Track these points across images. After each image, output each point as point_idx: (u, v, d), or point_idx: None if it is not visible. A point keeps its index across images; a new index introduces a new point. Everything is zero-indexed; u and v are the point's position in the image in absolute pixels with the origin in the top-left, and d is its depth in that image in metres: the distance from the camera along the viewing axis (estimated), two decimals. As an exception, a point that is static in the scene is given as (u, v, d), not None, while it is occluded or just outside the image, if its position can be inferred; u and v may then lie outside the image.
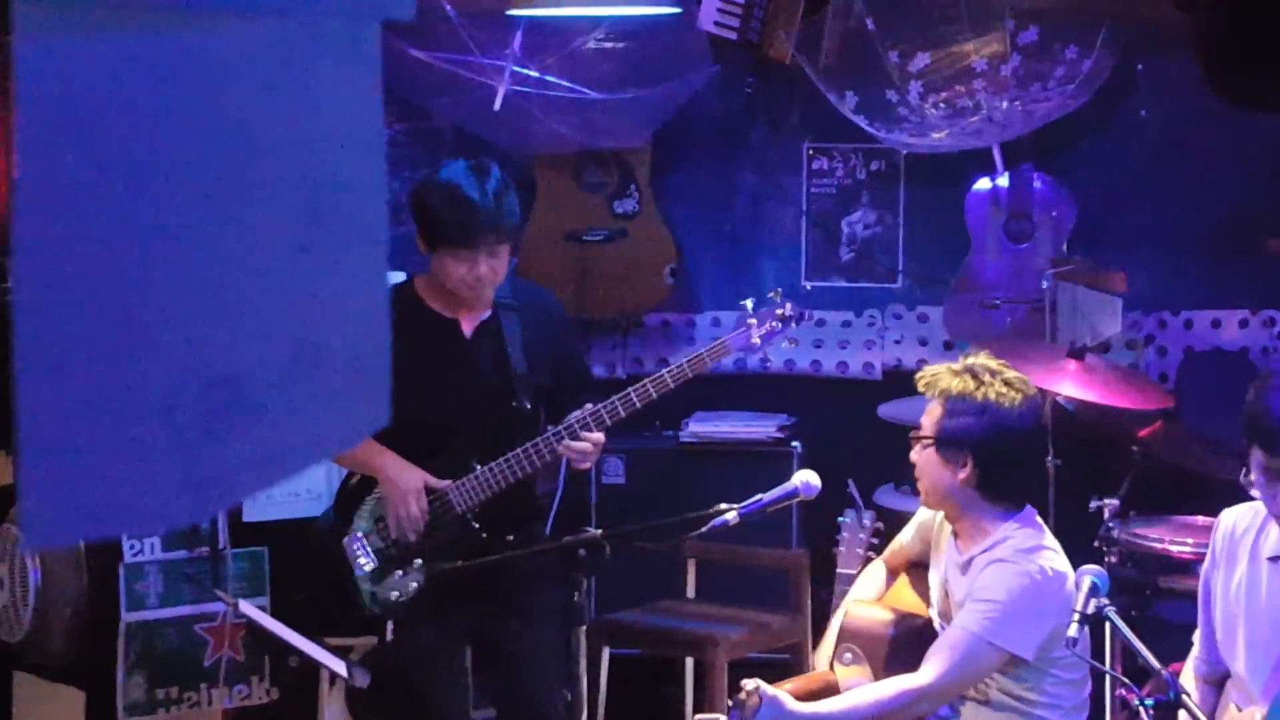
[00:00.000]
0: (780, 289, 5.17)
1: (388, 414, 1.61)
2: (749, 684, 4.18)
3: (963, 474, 4.34)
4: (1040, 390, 5.74)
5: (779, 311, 5.02)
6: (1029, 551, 4.26)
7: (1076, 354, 5.78)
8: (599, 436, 4.92)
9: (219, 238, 1.36)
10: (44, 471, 1.23)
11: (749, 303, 5.07)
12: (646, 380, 4.93)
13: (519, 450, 4.94)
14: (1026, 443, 4.45)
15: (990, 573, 4.26)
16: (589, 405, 4.95)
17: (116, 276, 1.27)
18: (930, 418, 4.42)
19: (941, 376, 4.40)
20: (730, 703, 4.19)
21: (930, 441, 4.39)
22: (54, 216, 1.23)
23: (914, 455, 4.47)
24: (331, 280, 1.50)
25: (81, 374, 1.25)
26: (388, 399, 1.60)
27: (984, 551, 4.33)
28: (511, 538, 5.03)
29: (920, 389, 4.46)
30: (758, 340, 5.01)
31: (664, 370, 4.94)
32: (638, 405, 4.93)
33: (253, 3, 1.37)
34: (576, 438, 4.90)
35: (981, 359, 4.44)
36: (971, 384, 4.34)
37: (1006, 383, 4.35)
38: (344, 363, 1.53)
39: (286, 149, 1.43)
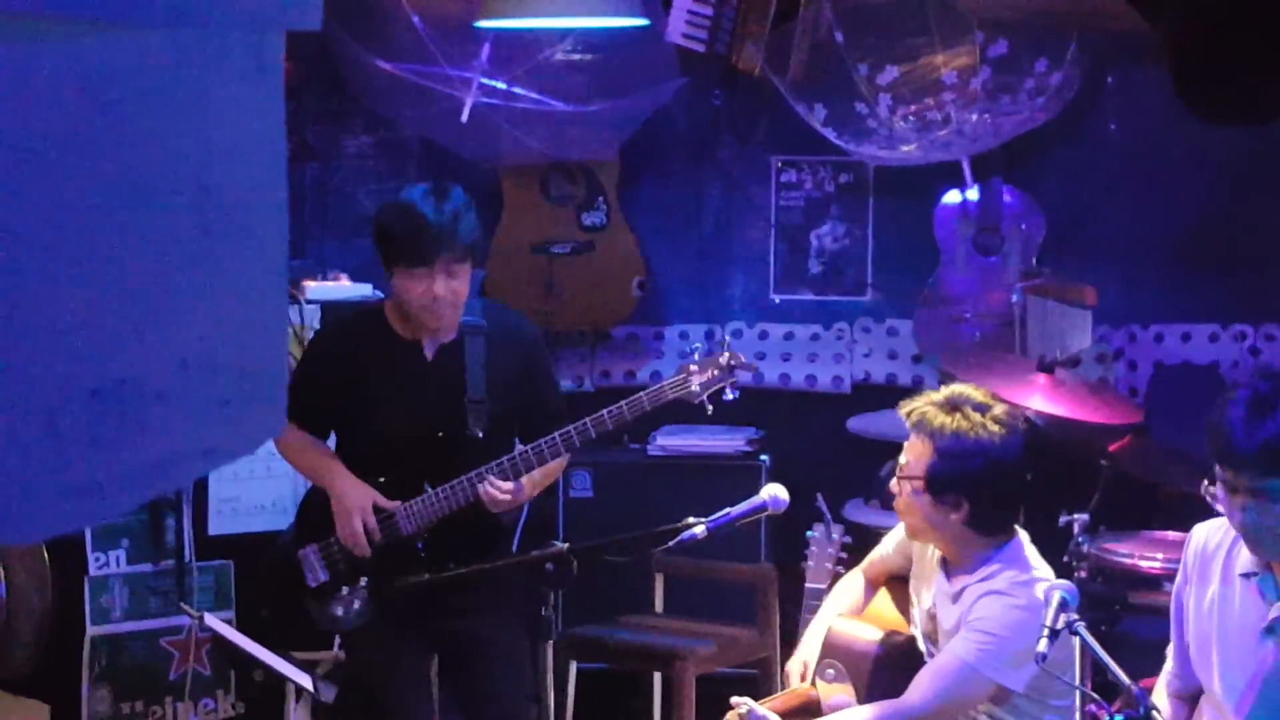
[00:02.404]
0: (728, 338, 5.10)
1: (283, 423, 1.60)
2: (741, 706, 4.16)
3: (956, 515, 4.29)
4: (1009, 404, 5.74)
5: (721, 359, 4.92)
6: (1026, 585, 4.20)
7: (1046, 368, 5.77)
8: (508, 486, 4.89)
9: (102, 247, 1.35)
10: None
11: (698, 350, 4.97)
12: (586, 420, 4.88)
13: (464, 478, 4.92)
14: (1019, 478, 4.39)
15: (986, 604, 4.21)
16: (504, 458, 4.92)
17: None
18: (917, 457, 4.32)
19: (929, 414, 4.30)
20: None
21: (920, 484, 4.33)
22: None
23: (896, 488, 4.40)
24: (225, 291, 1.50)
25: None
26: (283, 409, 1.59)
27: (978, 581, 4.27)
28: (453, 565, 4.99)
29: (906, 425, 4.39)
30: (696, 388, 4.90)
31: (604, 412, 4.88)
32: (577, 444, 4.90)
33: (142, 13, 1.36)
34: (484, 483, 4.89)
35: (966, 391, 4.37)
36: (964, 424, 4.25)
37: (996, 420, 4.28)
38: (236, 372, 1.52)
39: (178, 160, 1.42)
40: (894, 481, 4.41)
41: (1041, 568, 4.34)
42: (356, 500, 4.98)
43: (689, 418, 7.18)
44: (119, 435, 1.37)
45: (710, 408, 4.93)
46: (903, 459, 4.38)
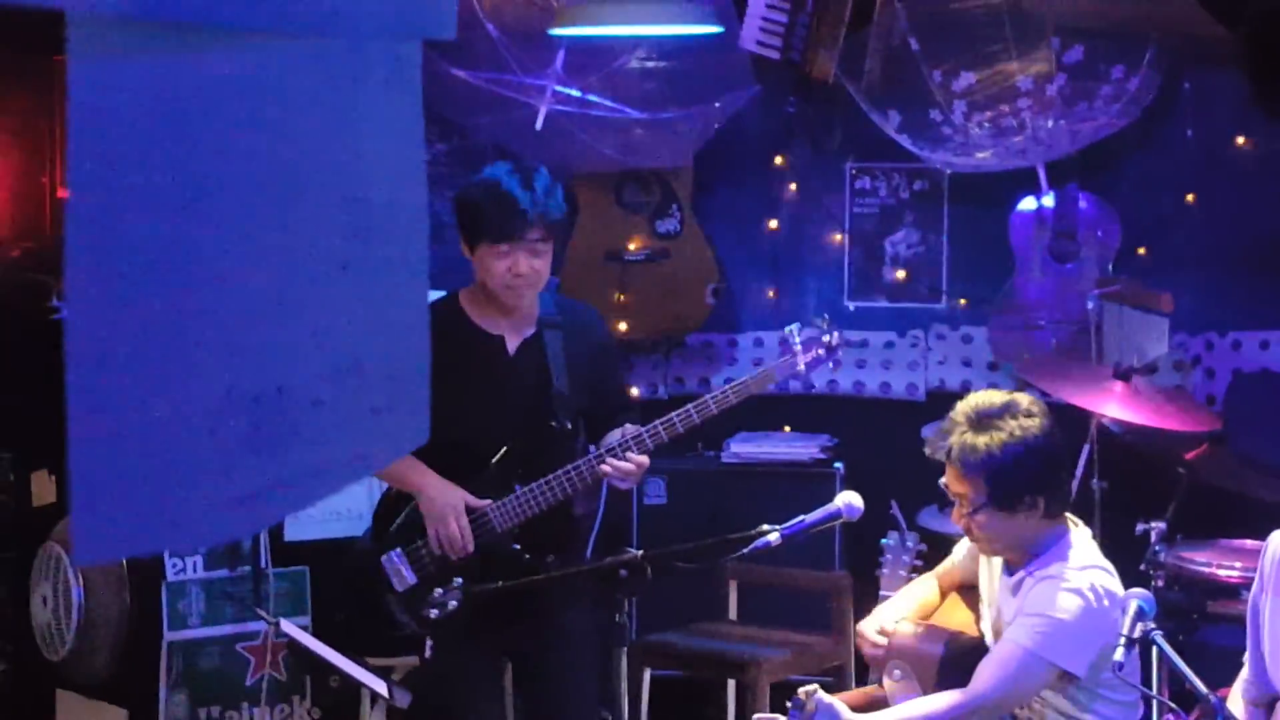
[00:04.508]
0: (826, 315, 5.13)
1: (427, 430, 1.60)
2: (808, 687, 4.18)
3: (1033, 515, 4.30)
4: (1086, 412, 5.72)
5: (825, 339, 4.99)
6: (1081, 570, 4.24)
7: (1123, 375, 5.74)
8: (643, 459, 4.88)
9: (263, 255, 1.36)
10: (94, 487, 1.23)
11: (794, 329, 5.02)
12: (690, 405, 4.89)
13: (560, 471, 4.90)
14: (1066, 455, 4.44)
15: (1042, 589, 4.24)
16: (629, 427, 4.90)
17: (164, 295, 1.27)
18: (973, 488, 4.30)
19: (965, 443, 4.27)
20: (789, 703, 4.18)
21: (990, 508, 4.30)
22: (103, 235, 1.23)
23: (968, 523, 4.37)
24: (372, 298, 1.50)
25: (131, 391, 1.25)
26: (427, 415, 1.59)
27: (1035, 570, 4.30)
28: (552, 558, 4.99)
29: (954, 462, 4.34)
30: (803, 368, 4.98)
31: (708, 396, 4.90)
32: (680, 430, 4.90)
33: (295, 24, 1.37)
34: (618, 459, 4.86)
35: (981, 402, 4.35)
36: (1001, 434, 4.26)
37: (1027, 412, 4.29)
38: (384, 379, 1.53)
39: (329, 167, 1.43)
40: (960, 520, 4.38)
41: (1095, 556, 4.34)
42: (449, 502, 4.94)
43: (764, 425, 7.20)
44: (279, 442, 1.38)
45: (813, 372, 5.01)
46: (959, 492, 4.35)
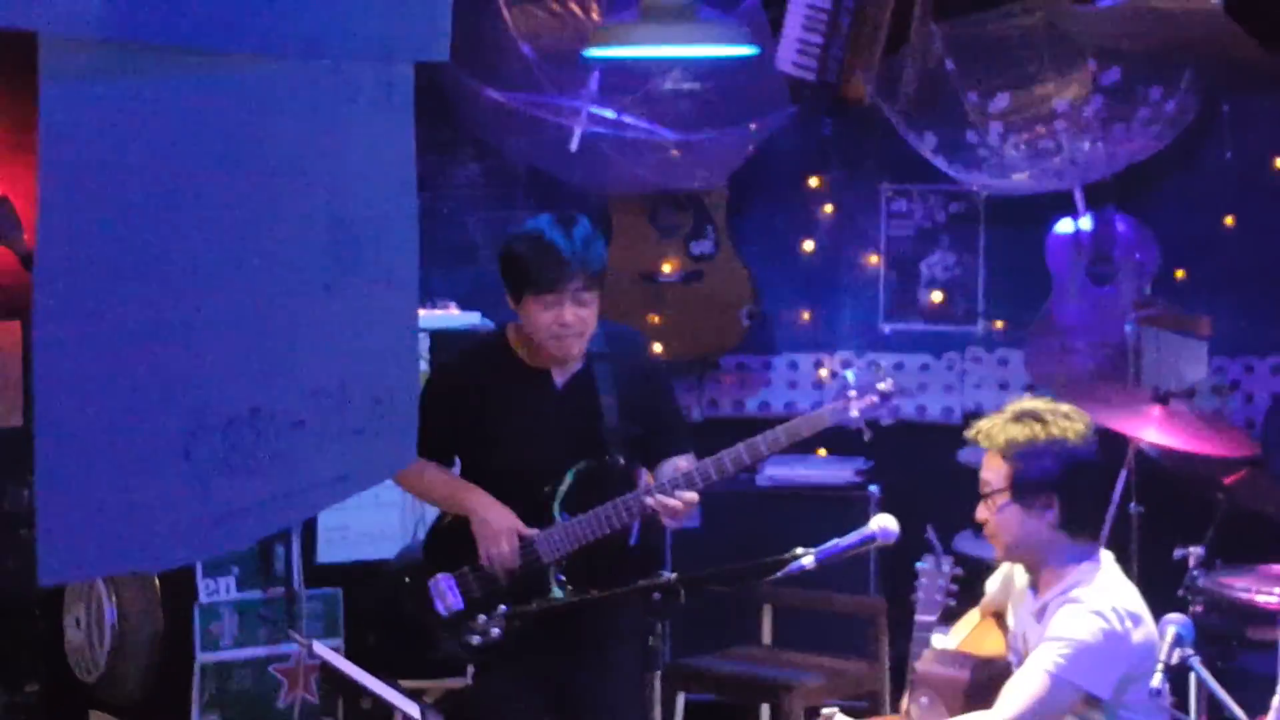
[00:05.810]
0: (882, 363, 5.14)
1: (414, 451, 1.59)
2: (827, 711, 4.17)
3: (1049, 517, 4.30)
4: (1123, 436, 5.69)
5: (880, 386, 4.98)
6: (1103, 593, 4.23)
7: (1161, 399, 5.70)
8: (692, 496, 4.86)
9: (241, 277, 1.35)
10: (62, 503, 1.22)
11: (850, 374, 5.01)
12: (740, 445, 4.87)
13: (608, 504, 4.89)
14: (1100, 468, 4.45)
15: (1064, 613, 4.24)
16: (681, 463, 4.89)
17: (139, 311, 1.26)
18: (998, 472, 4.36)
19: (999, 427, 4.36)
20: None
21: (1007, 495, 4.32)
22: (75, 256, 1.21)
23: (986, 514, 4.40)
24: (357, 319, 1.49)
25: (102, 407, 1.24)
26: (414, 436, 1.58)
27: (1059, 595, 4.29)
28: (595, 593, 4.96)
29: (981, 443, 4.39)
30: (856, 413, 4.96)
31: (759, 437, 4.88)
32: (730, 470, 4.88)
33: (280, 47, 1.35)
34: (666, 495, 4.84)
35: (1030, 402, 4.42)
36: (1036, 426, 4.32)
37: (1067, 415, 4.36)
38: (368, 400, 1.51)
39: (313, 190, 1.42)
40: (980, 508, 4.41)
41: (1120, 582, 4.35)
42: (499, 521, 4.93)
43: (798, 448, 7.17)
44: (254, 464, 1.37)
45: (869, 434, 4.97)
46: (983, 478, 4.40)
